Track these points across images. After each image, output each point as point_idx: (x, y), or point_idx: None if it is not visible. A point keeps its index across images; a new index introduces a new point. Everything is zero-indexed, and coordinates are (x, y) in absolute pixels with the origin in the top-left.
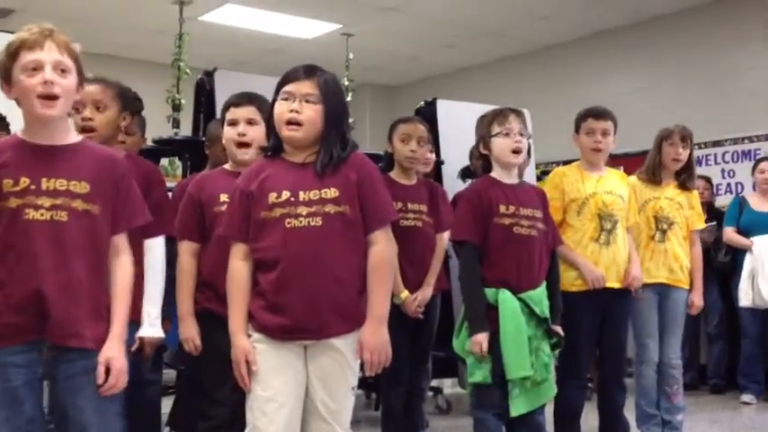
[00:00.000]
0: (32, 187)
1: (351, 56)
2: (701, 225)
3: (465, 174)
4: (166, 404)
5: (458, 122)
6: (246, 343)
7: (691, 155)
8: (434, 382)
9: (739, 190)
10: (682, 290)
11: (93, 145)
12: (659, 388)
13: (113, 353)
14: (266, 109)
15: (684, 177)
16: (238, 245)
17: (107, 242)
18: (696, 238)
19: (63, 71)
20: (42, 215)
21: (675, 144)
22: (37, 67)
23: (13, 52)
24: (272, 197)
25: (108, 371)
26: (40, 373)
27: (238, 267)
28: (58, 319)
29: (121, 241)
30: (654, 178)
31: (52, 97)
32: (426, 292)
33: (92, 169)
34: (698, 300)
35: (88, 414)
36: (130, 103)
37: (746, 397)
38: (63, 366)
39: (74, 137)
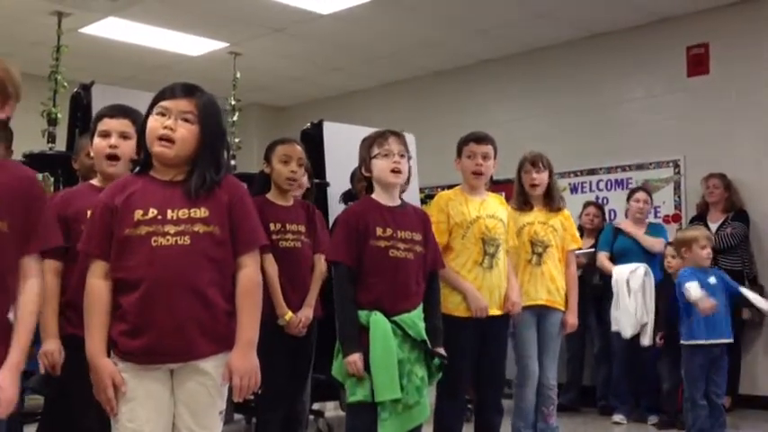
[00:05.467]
0: None
1: (238, 75)
2: (575, 246)
3: (346, 197)
4: None
5: (344, 145)
6: (110, 364)
7: (551, 176)
8: (316, 406)
9: (612, 217)
10: (558, 311)
11: (14, 164)
12: (536, 408)
13: (4, 382)
14: (141, 123)
15: (548, 199)
16: (98, 262)
17: (14, 261)
18: (572, 259)
19: None
20: None
21: (528, 171)
22: None
23: None
24: (138, 214)
25: None
26: None
27: (98, 286)
28: None
29: (32, 264)
30: (523, 206)
31: None
32: (308, 312)
33: (4, 186)
34: (572, 319)
35: None
36: None
37: (617, 417)
38: None
39: None
